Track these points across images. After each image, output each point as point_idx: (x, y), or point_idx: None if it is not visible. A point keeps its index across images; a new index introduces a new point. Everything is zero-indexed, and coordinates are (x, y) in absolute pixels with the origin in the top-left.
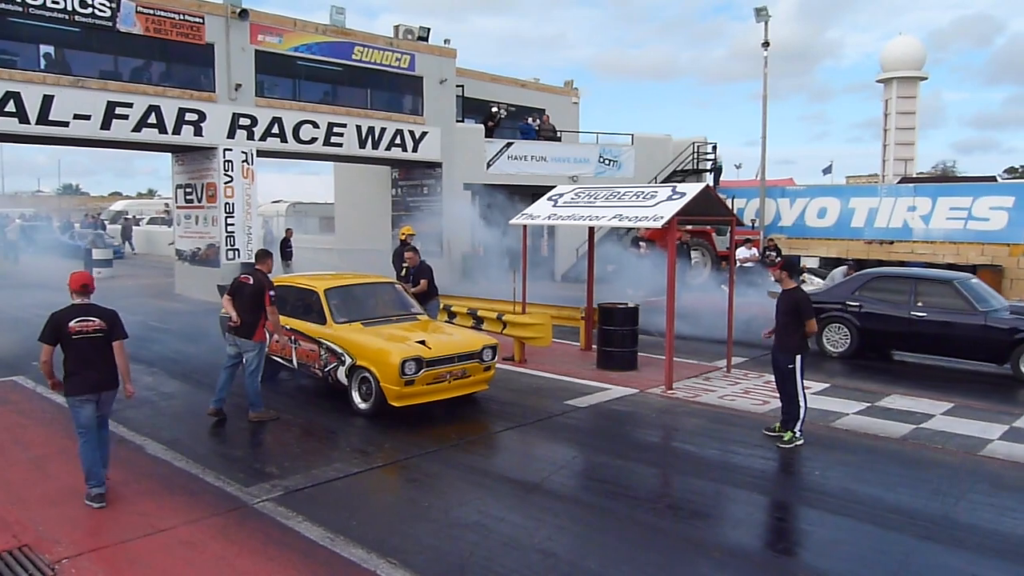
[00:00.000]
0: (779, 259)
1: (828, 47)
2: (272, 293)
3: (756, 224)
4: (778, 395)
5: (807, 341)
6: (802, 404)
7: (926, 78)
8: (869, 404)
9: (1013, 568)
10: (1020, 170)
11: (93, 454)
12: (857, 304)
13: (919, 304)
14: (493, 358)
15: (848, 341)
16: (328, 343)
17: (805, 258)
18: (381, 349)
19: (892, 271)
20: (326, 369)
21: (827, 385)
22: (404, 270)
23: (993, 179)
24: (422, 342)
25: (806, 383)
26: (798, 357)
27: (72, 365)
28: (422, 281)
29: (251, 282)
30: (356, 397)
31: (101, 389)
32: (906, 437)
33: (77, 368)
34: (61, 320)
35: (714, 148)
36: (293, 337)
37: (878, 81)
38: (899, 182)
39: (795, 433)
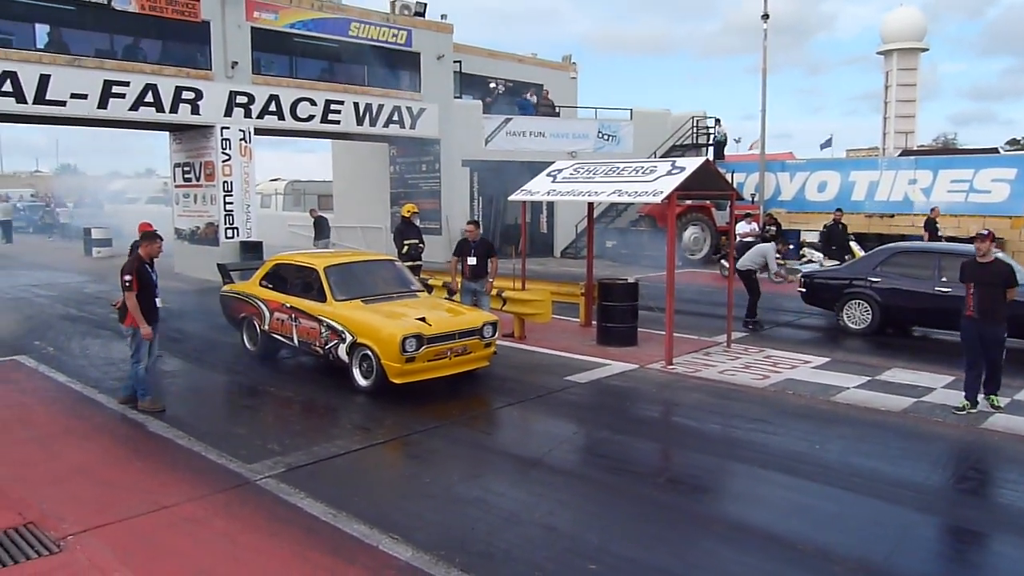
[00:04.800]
0: (987, 231)
1: (823, 19)
2: (127, 278)
3: (756, 199)
4: (778, 369)
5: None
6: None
7: (927, 49)
8: (870, 378)
9: (1013, 540)
10: (1022, 142)
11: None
12: (879, 280)
13: (943, 279)
14: (494, 335)
15: (869, 317)
16: (328, 321)
17: (805, 233)
18: (382, 326)
19: (915, 246)
20: (327, 347)
21: (827, 359)
22: (406, 248)
23: (995, 151)
24: (422, 319)
25: (805, 357)
26: (1005, 325)
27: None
28: (491, 260)
29: None
30: (357, 374)
31: None
32: (907, 410)
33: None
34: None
35: (717, 122)
36: (293, 315)
37: (878, 53)
38: (900, 155)
39: (998, 395)
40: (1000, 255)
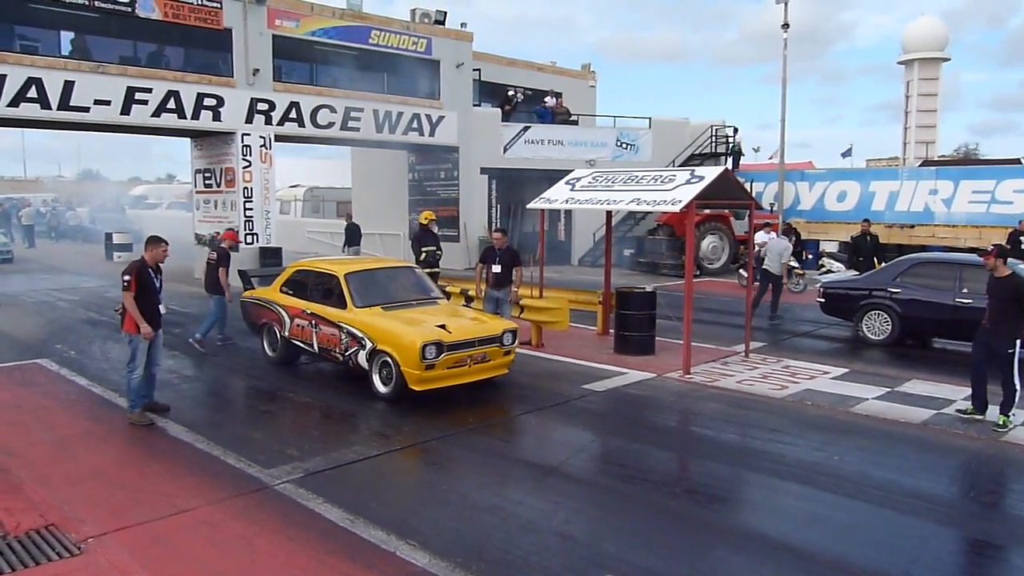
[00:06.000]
0: (992, 247)
1: (843, 29)
2: (126, 278)
3: (775, 208)
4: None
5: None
6: (1018, 388)
7: (948, 59)
8: (889, 389)
9: None
10: None
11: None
12: (899, 290)
13: (964, 290)
14: (513, 342)
15: (889, 328)
16: (349, 327)
17: (824, 242)
18: (402, 333)
19: (935, 257)
20: (347, 353)
21: (846, 370)
22: (424, 255)
23: (1017, 162)
24: (442, 326)
25: (824, 367)
26: (1017, 342)
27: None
28: (516, 269)
29: None
30: (377, 381)
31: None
32: (926, 422)
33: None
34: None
35: (735, 131)
36: (314, 321)
37: (899, 63)
38: (920, 165)
39: (1009, 417)
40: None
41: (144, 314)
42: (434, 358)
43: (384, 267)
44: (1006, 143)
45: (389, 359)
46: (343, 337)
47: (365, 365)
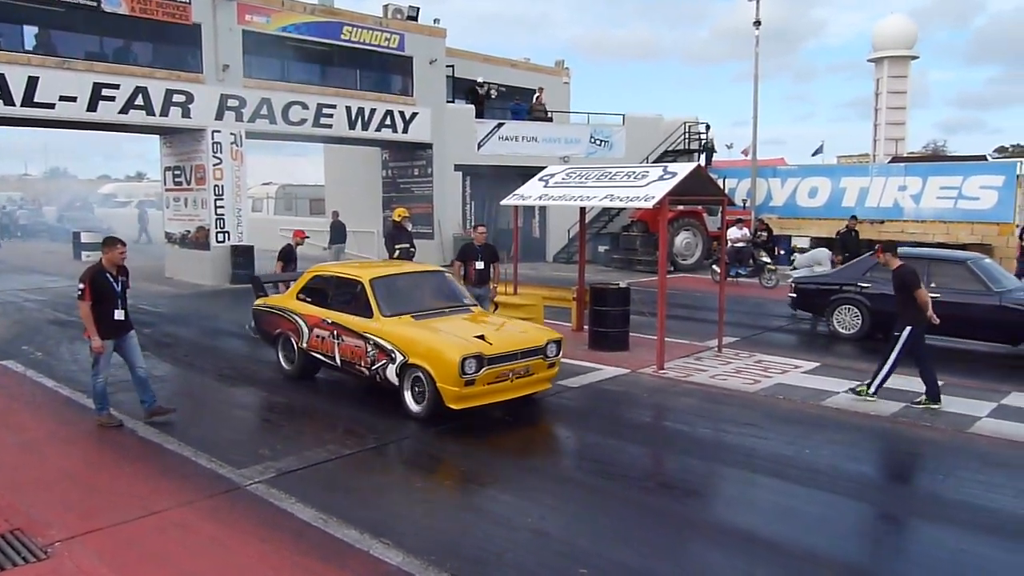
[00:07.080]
0: (879, 244)
1: (814, 26)
2: (80, 286)
3: (747, 204)
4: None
5: (922, 313)
6: (888, 367)
7: (917, 57)
8: (859, 383)
9: (1001, 543)
10: (1011, 149)
11: None
12: (868, 285)
13: (932, 285)
14: (557, 354)
15: (859, 322)
16: (376, 338)
17: (796, 238)
18: (438, 345)
19: (903, 252)
20: (373, 367)
21: (817, 364)
22: (397, 252)
23: (983, 158)
24: (481, 337)
25: (795, 362)
26: (907, 328)
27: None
28: (493, 265)
29: None
30: (408, 398)
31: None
32: (896, 415)
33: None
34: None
35: (707, 128)
36: (336, 332)
37: (869, 60)
38: (890, 161)
39: (869, 389)
40: (988, 262)
41: (101, 323)
42: (474, 373)
43: (412, 272)
44: (972, 140)
45: (423, 374)
46: (369, 349)
47: (395, 381)
